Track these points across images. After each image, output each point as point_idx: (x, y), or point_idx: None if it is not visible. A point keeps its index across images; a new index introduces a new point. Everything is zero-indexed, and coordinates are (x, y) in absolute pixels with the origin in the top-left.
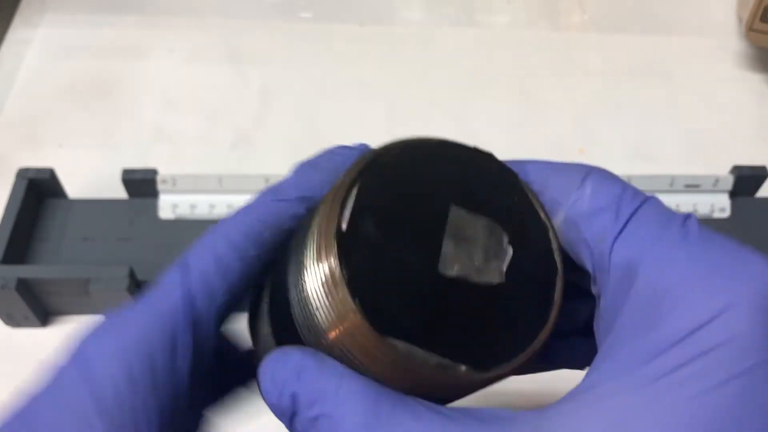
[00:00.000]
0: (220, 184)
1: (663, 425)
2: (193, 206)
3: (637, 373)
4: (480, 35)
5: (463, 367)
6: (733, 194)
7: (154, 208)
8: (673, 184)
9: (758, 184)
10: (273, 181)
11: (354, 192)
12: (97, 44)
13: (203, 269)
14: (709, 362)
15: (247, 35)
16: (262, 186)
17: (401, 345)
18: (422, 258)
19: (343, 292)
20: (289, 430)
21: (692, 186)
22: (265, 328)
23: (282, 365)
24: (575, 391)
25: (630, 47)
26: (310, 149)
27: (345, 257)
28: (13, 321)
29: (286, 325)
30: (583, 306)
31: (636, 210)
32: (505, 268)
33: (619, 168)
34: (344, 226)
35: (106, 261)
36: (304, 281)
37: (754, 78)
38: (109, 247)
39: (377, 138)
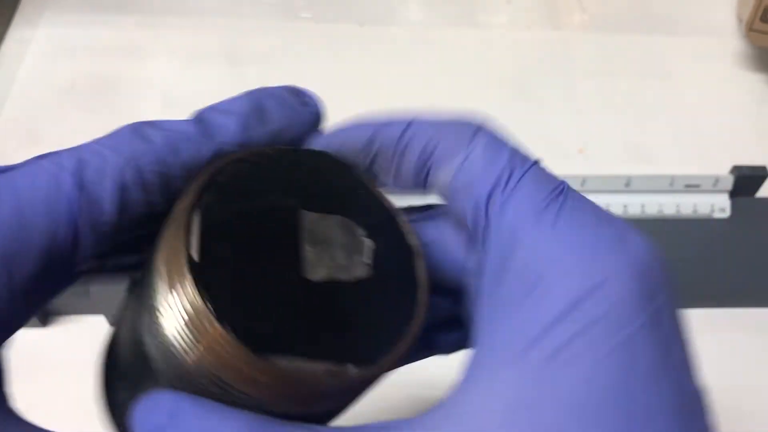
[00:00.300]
0: None
1: (557, 407)
2: None
3: (524, 359)
4: (480, 35)
5: (351, 367)
6: (733, 194)
7: None
8: (673, 184)
9: (758, 185)
10: None
11: (197, 215)
12: (97, 44)
13: (101, 205)
14: (592, 336)
15: (247, 35)
16: None
17: (284, 361)
18: (284, 268)
19: (210, 323)
20: None
21: (692, 186)
22: (124, 396)
23: (154, 410)
24: (462, 386)
25: (630, 47)
26: None
27: (203, 286)
28: None
29: (150, 383)
30: (444, 300)
31: (522, 176)
32: (368, 261)
33: (619, 168)
34: (195, 254)
35: None
36: (162, 327)
37: (754, 78)
38: None
39: None
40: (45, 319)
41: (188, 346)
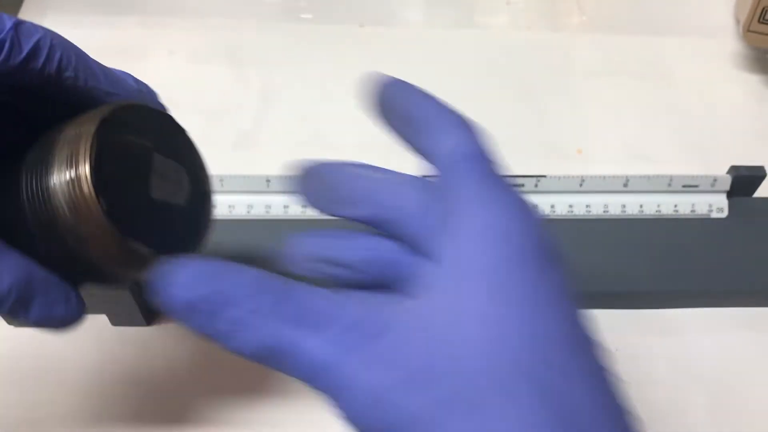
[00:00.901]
0: (221, 184)
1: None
2: None
3: (473, 271)
4: (479, 36)
5: (163, 257)
6: (731, 194)
7: None
8: (671, 185)
9: (756, 185)
10: (274, 182)
11: (97, 137)
12: (98, 44)
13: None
14: (511, 257)
15: (248, 36)
16: (263, 186)
17: (129, 241)
18: (140, 185)
19: (90, 194)
20: (200, 332)
21: (690, 186)
22: None
23: (195, 267)
24: (433, 292)
25: (629, 48)
26: (310, 149)
27: (98, 186)
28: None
29: (20, 225)
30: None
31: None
32: (186, 196)
33: (618, 168)
34: (93, 157)
35: None
36: (50, 192)
37: (752, 79)
38: None
39: (376, 137)
40: None
41: (66, 206)
